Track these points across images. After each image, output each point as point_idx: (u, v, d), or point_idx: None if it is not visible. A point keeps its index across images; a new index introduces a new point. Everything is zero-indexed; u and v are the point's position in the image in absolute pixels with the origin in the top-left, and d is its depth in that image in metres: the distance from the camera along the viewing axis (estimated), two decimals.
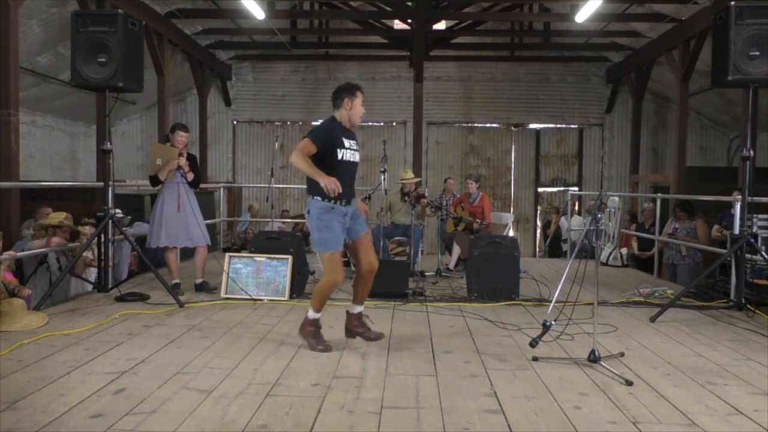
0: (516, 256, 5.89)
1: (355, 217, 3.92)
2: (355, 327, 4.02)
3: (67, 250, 5.96)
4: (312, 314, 3.95)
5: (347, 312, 4.09)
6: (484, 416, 2.85)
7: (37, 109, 12.03)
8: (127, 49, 5.30)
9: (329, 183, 3.58)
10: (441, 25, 14.27)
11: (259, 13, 10.44)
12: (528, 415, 2.87)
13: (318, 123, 3.97)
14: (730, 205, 6.45)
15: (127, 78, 5.33)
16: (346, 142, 3.83)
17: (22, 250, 5.68)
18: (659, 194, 9.02)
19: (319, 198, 3.77)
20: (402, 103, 14.58)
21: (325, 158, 3.72)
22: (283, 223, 11.16)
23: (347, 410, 2.89)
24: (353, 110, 3.87)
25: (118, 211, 6.74)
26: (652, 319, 4.91)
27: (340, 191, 3.65)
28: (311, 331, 3.94)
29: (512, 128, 15.24)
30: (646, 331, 4.61)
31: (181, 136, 5.67)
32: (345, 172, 3.80)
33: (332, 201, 3.76)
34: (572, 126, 15.22)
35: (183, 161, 5.59)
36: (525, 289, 6.02)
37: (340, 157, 3.77)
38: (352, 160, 3.86)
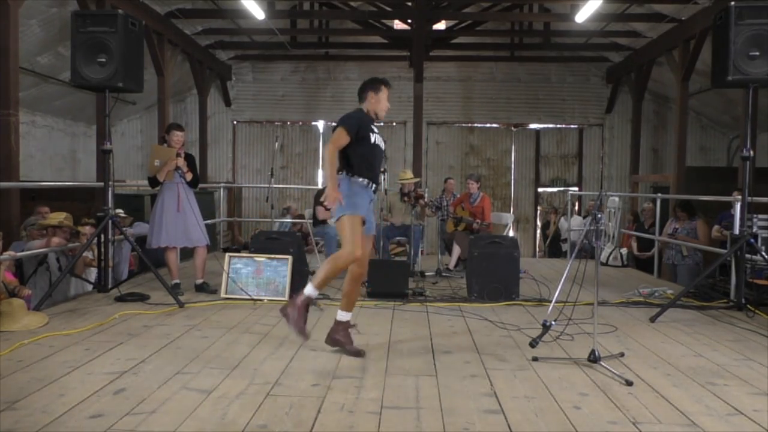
0: (516, 256, 5.89)
1: (370, 210, 3.96)
2: (339, 335, 3.86)
3: (67, 250, 5.96)
4: (311, 291, 3.76)
5: (336, 320, 3.90)
6: (484, 416, 2.85)
7: (37, 109, 12.02)
8: (127, 49, 5.30)
9: (332, 196, 3.62)
10: (441, 25, 14.26)
11: (259, 13, 10.43)
12: (528, 415, 2.87)
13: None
14: (730, 205, 6.46)
15: (127, 78, 5.33)
16: (376, 129, 3.94)
17: (22, 251, 5.68)
18: (659, 194, 9.02)
19: (350, 175, 3.81)
20: (402, 103, 14.56)
21: (359, 143, 3.79)
22: (293, 222, 10.93)
23: (347, 410, 2.89)
24: (379, 104, 3.93)
25: (119, 211, 6.74)
26: (652, 319, 4.91)
27: (337, 205, 3.68)
28: (301, 312, 3.76)
29: (512, 128, 15.24)
30: (646, 331, 4.61)
31: (176, 136, 5.67)
32: (376, 155, 3.90)
33: (367, 180, 3.83)
34: (572, 126, 15.22)
35: (181, 161, 5.60)
36: (525, 289, 6.02)
37: (373, 140, 3.85)
38: (381, 145, 3.96)
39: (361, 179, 3.82)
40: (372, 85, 3.95)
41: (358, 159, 3.81)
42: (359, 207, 3.77)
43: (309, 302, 3.81)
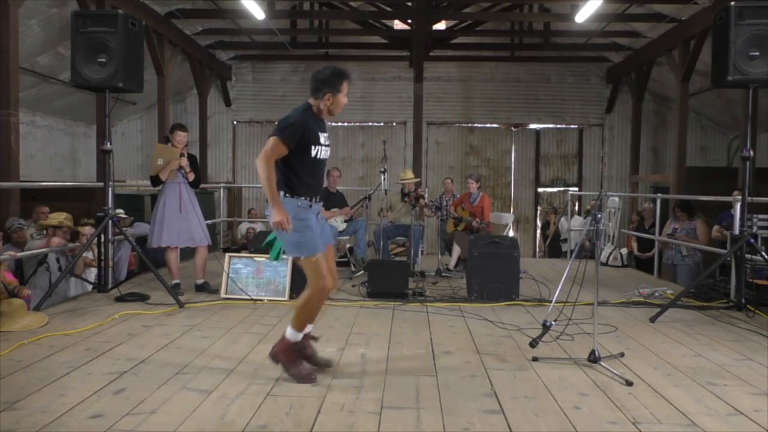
0: (516, 256, 5.89)
1: (321, 219, 3.48)
2: (305, 348, 3.44)
3: (67, 250, 5.96)
4: (293, 335, 3.34)
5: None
6: (484, 416, 2.85)
7: (37, 109, 12.02)
8: (127, 50, 5.30)
9: (282, 221, 3.16)
10: (441, 25, 14.25)
11: (259, 14, 10.43)
12: (528, 415, 2.87)
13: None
14: (730, 205, 6.45)
15: (127, 78, 5.34)
16: (321, 137, 3.37)
17: (21, 251, 5.69)
18: (659, 194, 9.01)
19: (289, 195, 3.29)
20: (402, 103, 14.57)
21: (297, 156, 3.27)
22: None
23: (347, 410, 2.89)
24: (334, 105, 3.38)
25: (120, 211, 6.75)
26: (652, 320, 4.91)
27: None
28: (292, 358, 3.35)
29: (512, 128, 15.23)
30: (646, 331, 4.61)
31: (180, 136, 5.68)
32: (318, 170, 3.41)
33: (308, 198, 3.33)
34: (572, 126, 15.21)
35: (184, 161, 5.61)
36: (525, 289, 6.02)
37: (314, 154, 3.32)
38: (325, 157, 3.42)
39: (304, 199, 3.31)
40: (332, 83, 3.33)
41: (295, 176, 3.29)
42: (317, 242, 3.29)
43: (296, 346, 3.36)
